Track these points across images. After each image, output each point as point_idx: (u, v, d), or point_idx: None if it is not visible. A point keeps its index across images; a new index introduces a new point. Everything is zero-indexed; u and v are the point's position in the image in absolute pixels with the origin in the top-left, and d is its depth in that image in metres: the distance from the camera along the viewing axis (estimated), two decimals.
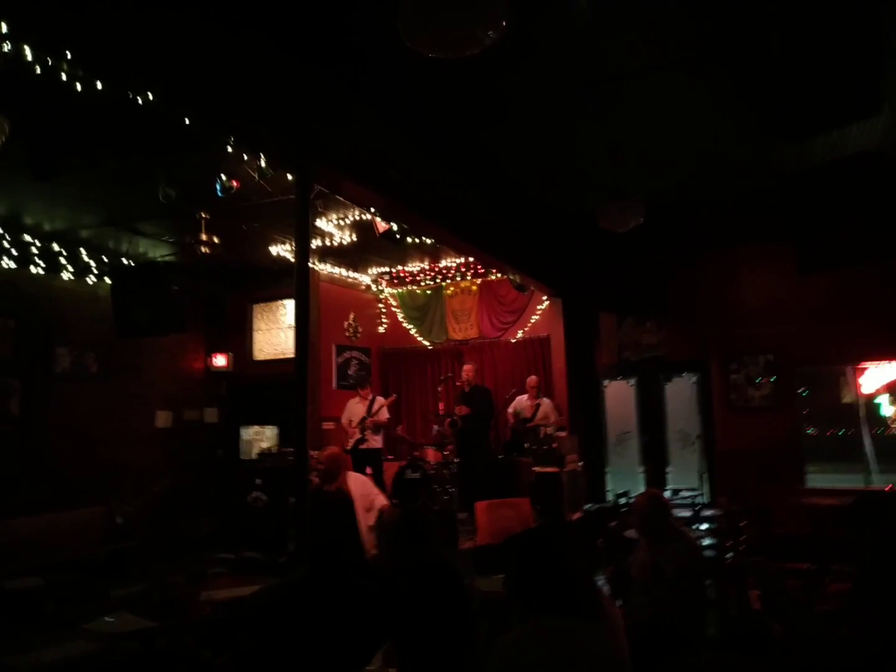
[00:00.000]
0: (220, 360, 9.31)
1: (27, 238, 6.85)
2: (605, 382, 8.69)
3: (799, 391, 7.70)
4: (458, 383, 8.48)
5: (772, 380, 7.59)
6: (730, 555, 4.79)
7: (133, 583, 4.83)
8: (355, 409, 8.23)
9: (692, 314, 8.04)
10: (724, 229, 7.51)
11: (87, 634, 3.37)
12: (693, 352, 8.09)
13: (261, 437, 9.15)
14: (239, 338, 9.41)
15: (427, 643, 1.99)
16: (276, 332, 9.35)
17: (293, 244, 5.91)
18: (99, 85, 3.44)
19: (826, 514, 5.75)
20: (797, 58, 3.33)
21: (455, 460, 7.97)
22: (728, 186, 6.79)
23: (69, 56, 3.02)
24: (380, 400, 8.22)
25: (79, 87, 3.41)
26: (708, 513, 6.01)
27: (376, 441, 8.09)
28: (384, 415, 8.11)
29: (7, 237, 6.69)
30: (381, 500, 5.23)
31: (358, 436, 7.95)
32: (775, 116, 4.19)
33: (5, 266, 6.82)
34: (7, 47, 2.85)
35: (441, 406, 8.51)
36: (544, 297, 8.94)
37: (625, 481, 7.98)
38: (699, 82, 4.52)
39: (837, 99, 3.63)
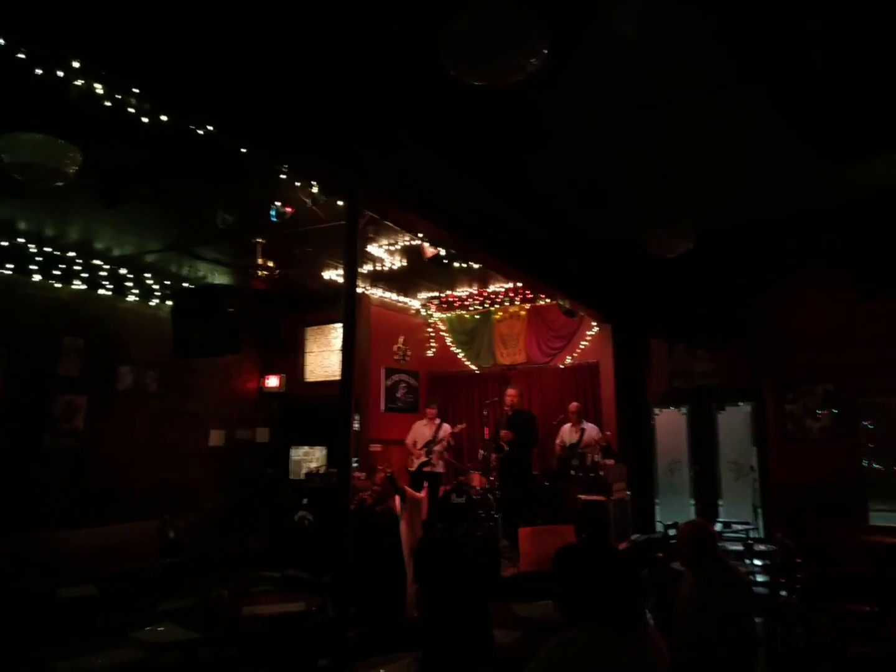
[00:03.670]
0: (272, 382, 9.54)
1: (97, 262, 7.25)
2: (656, 411, 8.51)
3: (862, 423, 7.36)
4: (504, 408, 8.46)
5: (833, 411, 7.29)
6: (784, 592, 4.59)
7: (183, 596, 4.93)
8: (422, 431, 8.36)
9: (746, 342, 7.82)
10: (779, 255, 7.31)
11: (135, 643, 3.48)
12: (747, 381, 7.85)
13: (310, 458, 9.31)
14: (291, 360, 9.64)
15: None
16: (327, 354, 9.54)
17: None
18: (163, 118, 3.67)
19: (890, 554, 5.45)
20: (843, 80, 3.26)
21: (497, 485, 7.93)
22: (781, 212, 6.62)
23: (136, 91, 3.25)
24: (445, 427, 8.32)
25: (145, 119, 3.64)
26: (761, 548, 5.77)
27: (440, 466, 8.18)
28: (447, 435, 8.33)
29: (79, 261, 7.09)
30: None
31: (424, 458, 8.06)
32: (828, 140, 4.10)
33: (76, 288, 7.21)
34: (79, 83, 3.07)
35: (487, 431, 8.49)
36: (594, 323, 8.86)
37: (675, 512, 7.76)
38: (744, 106, 4.45)
39: (890, 119, 3.52)
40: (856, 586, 4.55)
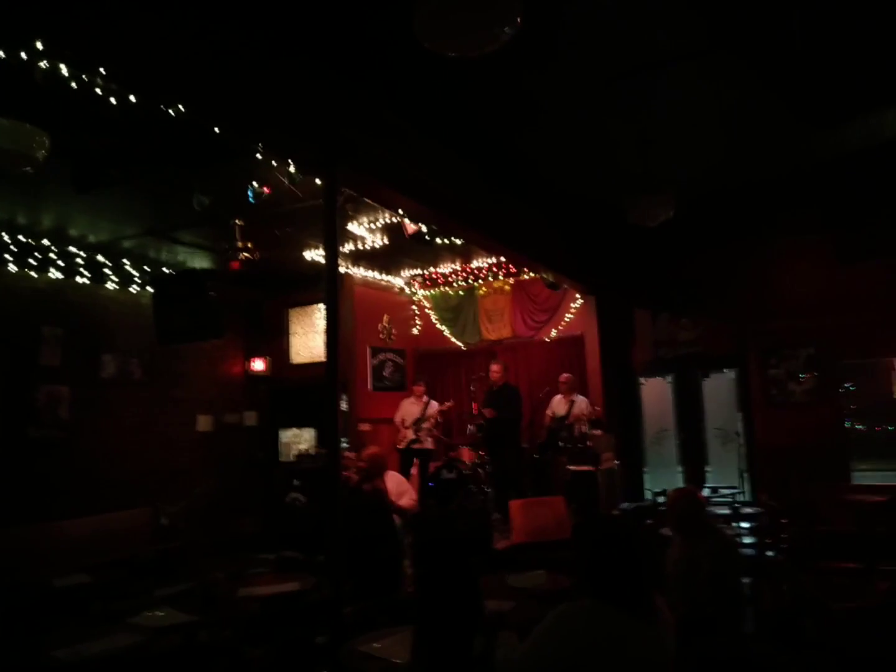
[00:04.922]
0: (258, 365, 9.49)
1: (73, 249, 7.12)
2: (642, 380, 8.58)
3: (844, 385, 7.48)
4: (488, 384, 8.49)
5: (815, 374, 7.39)
6: (770, 552, 4.69)
7: (178, 582, 4.94)
8: (410, 409, 8.37)
9: (729, 309, 7.87)
10: (760, 221, 7.34)
11: (132, 628, 3.48)
12: (731, 347, 7.93)
13: (299, 440, 9.31)
14: (276, 342, 9.59)
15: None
16: (312, 335, 9.49)
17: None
18: (132, 98, 3.57)
19: (873, 512, 5.57)
20: (821, 42, 3.24)
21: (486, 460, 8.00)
22: (762, 177, 6.62)
23: (103, 72, 3.16)
24: (434, 405, 8.33)
25: (113, 101, 3.54)
26: (748, 510, 5.88)
27: (429, 442, 8.21)
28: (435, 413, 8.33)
29: (54, 249, 6.96)
30: (406, 500, 5.30)
31: (412, 436, 8.08)
32: (806, 103, 4.09)
33: (53, 277, 7.09)
34: (44, 64, 2.98)
35: (475, 406, 8.54)
36: (578, 296, 8.87)
37: (663, 480, 7.87)
38: (723, 71, 4.42)
39: (868, 82, 3.52)
40: (840, 544, 4.65)
